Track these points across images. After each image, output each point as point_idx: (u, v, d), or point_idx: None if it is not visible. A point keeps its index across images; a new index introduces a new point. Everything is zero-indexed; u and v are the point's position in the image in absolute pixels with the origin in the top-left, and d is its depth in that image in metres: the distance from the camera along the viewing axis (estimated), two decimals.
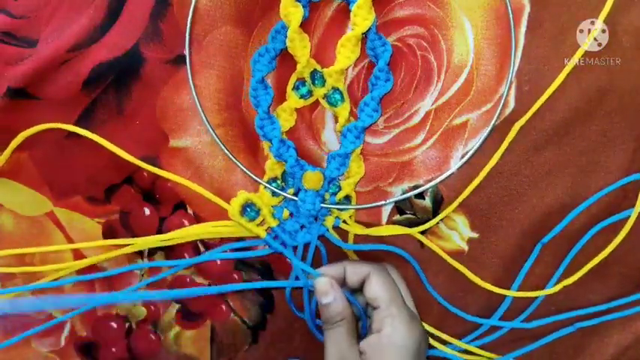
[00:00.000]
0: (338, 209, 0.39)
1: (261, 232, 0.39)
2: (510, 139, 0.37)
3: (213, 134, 0.38)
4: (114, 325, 0.43)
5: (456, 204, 0.38)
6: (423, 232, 0.39)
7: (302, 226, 0.39)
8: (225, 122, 0.38)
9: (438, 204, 0.39)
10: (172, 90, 0.38)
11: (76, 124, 0.38)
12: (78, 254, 0.41)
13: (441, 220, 0.39)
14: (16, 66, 0.37)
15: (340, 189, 0.38)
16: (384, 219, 0.39)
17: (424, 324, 0.41)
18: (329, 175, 0.38)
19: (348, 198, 0.39)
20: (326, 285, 0.36)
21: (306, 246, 0.39)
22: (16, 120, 0.38)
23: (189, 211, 0.40)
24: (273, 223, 0.39)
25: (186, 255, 0.41)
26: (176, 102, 0.38)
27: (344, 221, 0.39)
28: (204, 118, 0.38)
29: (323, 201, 0.38)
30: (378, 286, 0.35)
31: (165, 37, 0.37)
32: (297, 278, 0.38)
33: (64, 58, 0.37)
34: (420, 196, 0.38)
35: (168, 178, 0.38)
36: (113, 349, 0.43)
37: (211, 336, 0.43)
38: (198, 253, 0.41)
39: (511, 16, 0.36)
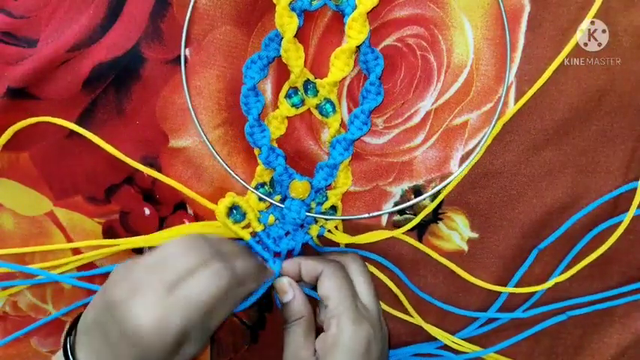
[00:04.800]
0: (324, 219, 0.39)
1: (246, 234, 0.39)
2: (494, 136, 0.37)
3: (202, 133, 0.38)
4: None
5: (427, 195, 0.39)
6: (422, 233, 0.39)
7: (287, 233, 0.39)
8: (225, 122, 0.38)
9: (439, 204, 0.39)
10: (172, 90, 0.38)
11: (76, 124, 0.38)
12: (77, 254, 0.41)
13: (441, 220, 0.39)
14: (16, 66, 0.37)
15: (327, 199, 0.39)
16: (384, 220, 0.39)
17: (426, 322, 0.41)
18: (316, 185, 0.38)
19: (334, 208, 0.39)
20: (285, 284, 0.37)
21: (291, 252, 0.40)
22: (16, 120, 0.38)
23: (190, 211, 0.40)
24: (258, 228, 0.39)
25: None
26: (176, 102, 0.38)
27: (329, 230, 0.39)
28: (194, 117, 0.38)
29: (309, 210, 0.39)
30: (327, 286, 0.35)
31: (166, 37, 0.37)
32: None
33: (64, 58, 0.37)
34: (421, 195, 0.38)
35: (159, 178, 0.39)
36: None
37: (211, 336, 0.42)
38: None
39: (505, 16, 0.36)
